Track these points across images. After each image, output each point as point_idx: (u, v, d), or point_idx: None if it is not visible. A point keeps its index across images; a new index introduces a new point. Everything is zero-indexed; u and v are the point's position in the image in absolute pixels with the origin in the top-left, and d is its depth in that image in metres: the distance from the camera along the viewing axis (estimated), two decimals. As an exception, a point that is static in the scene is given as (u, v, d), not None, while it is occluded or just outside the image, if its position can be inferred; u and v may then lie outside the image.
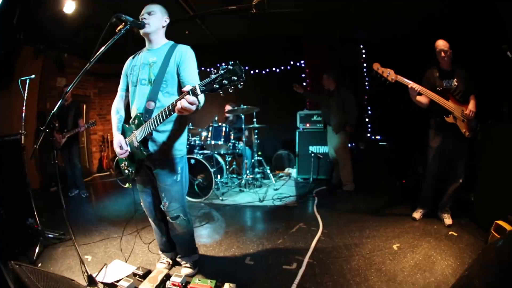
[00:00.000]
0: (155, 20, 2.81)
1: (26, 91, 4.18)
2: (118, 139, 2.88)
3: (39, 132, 2.60)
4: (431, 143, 4.47)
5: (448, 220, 4.39)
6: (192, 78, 2.72)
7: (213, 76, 2.01)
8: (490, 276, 1.84)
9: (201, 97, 2.36)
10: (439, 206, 4.59)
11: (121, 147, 2.85)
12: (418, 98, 4.18)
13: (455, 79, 4.20)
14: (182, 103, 2.12)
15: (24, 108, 4.16)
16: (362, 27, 7.17)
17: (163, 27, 2.94)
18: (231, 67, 1.97)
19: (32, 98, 6.76)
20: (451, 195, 4.44)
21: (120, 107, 3.12)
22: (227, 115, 7.79)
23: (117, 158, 3.23)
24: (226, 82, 1.97)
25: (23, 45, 6.43)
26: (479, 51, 5.24)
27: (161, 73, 2.76)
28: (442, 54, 4.19)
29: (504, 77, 4.69)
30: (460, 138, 4.18)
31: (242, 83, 2.00)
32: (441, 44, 4.20)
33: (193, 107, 2.15)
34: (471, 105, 4.11)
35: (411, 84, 4.05)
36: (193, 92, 2.09)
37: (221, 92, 2.03)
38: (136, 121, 2.78)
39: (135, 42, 3.13)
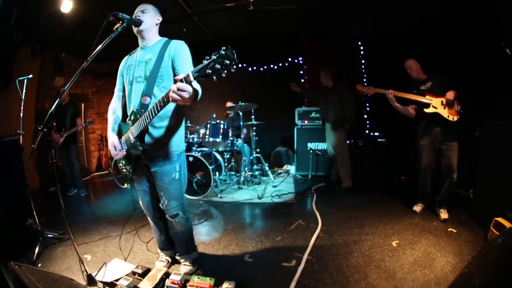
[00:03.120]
0: (149, 18, 2.83)
1: (24, 91, 4.17)
2: (112, 140, 2.89)
3: (37, 132, 2.60)
4: (420, 141, 4.65)
5: (443, 215, 4.43)
6: (187, 70, 2.71)
7: (205, 61, 2.01)
8: (490, 273, 1.83)
9: (197, 85, 2.36)
10: (436, 201, 4.62)
11: (115, 148, 2.85)
12: (404, 107, 4.58)
13: (430, 82, 4.48)
14: (173, 88, 2.12)
15: (22, 108, 4.15)
16: (359, 24, 7.16)
17: (156, 25, 2.95)
18: (223, 52, 1.96)
19: (31, 98, 6.75)
20: (447, 191, 4.48)
21: (117, 107, 3.12)
22: (228, 112, 7.80)
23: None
24: (218, 66, 1.96)
25: (20, 46, 6.41)
26: (477, 48, 5.24)
27: (156, 69, 2.77)
28: (408, 70, 4.70)
29: (503, 74, 4.69)
30: (447, 128, 4.34)
31: (234, 67, 1.98)
32: (407, 62, 4.72)
33: (186, 94, 2.13)
34: (450, 91, 4.25)
35: (386, 91, 4.45)
36: (186, 79, 2.09)
37: (215, 78, 2.02)
38: (133, 117, 2.79)
39: (133, 41, 3.12)
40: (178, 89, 2.10)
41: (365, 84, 6.86)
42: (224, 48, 1.97)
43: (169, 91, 2.20)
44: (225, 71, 1.99)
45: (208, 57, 2.01)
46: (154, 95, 2.76)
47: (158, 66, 2.77)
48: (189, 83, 2.11)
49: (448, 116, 4.25)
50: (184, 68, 2.74)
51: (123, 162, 3.02)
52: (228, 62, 1.95)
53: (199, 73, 2.04)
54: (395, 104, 4.48)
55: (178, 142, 2.97)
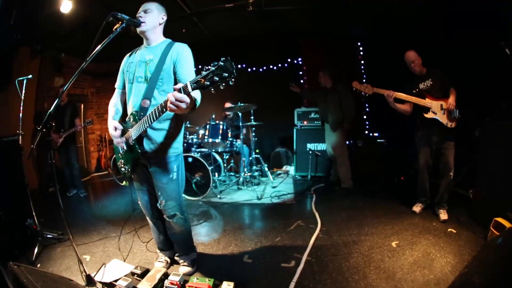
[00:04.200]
0: (151, 18, 2.80)
1: (24, 91, 4.17)
2: (112, 124, 2.86)
3: (36, 132, 2.60)
4: (416, 141, 4.67)
5: (443, 216, 4.42)
6: (188, 76, 2.70)
7: (204, 73, 1.97)
8: (490, 274, 1.83)
9: (197, 94, 2.35)
10: (435, 202, 4.62)
11: (115, 129, 2.82)
12: (399, 105, 4.50)
13: (430, 80, 4.43)
14: (170, 98, 2.10)
15: (21, 108, 4.15)
16: (359, 24, 7.16)
17: (160, 24, 2.92)
18: (222, 63, 1.93)
19: (30, 98, 6.76)
20: (445, 189, 4.50)
21: (117, 102, 3.12)
22: (227, 112, 7.80)
23: (114, 156, 3.22)
24: (217, 79, 1.93)
25: (20, 46, 6.41)
26: (477, 48, 5.24)
27: (157, 71, 2.76)
28: (412, 64, 4.52)
29: (502, 74, 4.69)
30: (444, 130, 4.35)
31: (233, 80, 1.95)
32: (409, 56, 4.53)
33: (183, 105, 2.11)
34: (451, 99, 4.27)
35: (386, 92, 4.37)
36: (184, 89, 2.07)
37: (212, 90, 1.99)
38: (131, 119, 2.78)
39: (133, 41, 3.12)
40: (176, 100, 2.08)
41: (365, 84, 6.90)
42: (224, 59, 1.93)
43: (167, 100, 2.19)
44: (223, 84, 1.97)
45: (207, 68, 1.97)
46: (154, 97, 2.76)
47: (159, 69, 2.76)
48: (187, 93, 2.09)
49: (446, 123, 4.28)
50: (185, 74, 2.73)
51: (122, 161, 3.02)
52: (226, 74, 1.92)
53: (197, 84, 2.01)
54: (393, 105, 4.46)
55: (176, 144, 2.97)
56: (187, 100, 2.11)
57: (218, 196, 6.11)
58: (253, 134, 7.27)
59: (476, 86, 5.16)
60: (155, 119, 2.47)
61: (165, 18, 2.94)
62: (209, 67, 1.96)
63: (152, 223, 3.34)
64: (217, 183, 6.43)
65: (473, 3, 4.84)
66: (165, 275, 3.02)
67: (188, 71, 2.76)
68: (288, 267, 3.38)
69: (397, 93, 4.34)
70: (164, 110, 2.32)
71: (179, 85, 2.10)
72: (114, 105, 3.08)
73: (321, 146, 7.44)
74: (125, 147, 2.87)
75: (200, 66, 2.11)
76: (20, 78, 4.19)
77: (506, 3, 4.38)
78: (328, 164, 7.16)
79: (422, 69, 4.50)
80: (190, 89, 2.05)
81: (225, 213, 5.30)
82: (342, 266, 3.34)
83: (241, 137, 6.98)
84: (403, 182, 6.66)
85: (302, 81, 8.64)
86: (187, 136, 6.71)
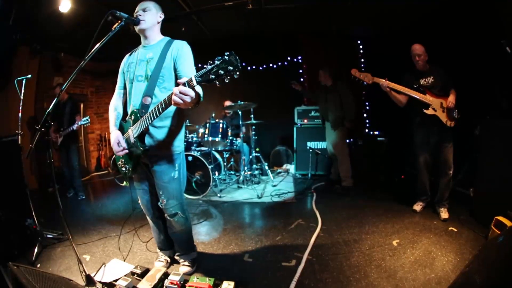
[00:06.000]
0: (150, 16, 2.80)
1: (23, 91, 4.16)
2: (115, 135, 2.85)
3: (35, 131, 2.59)
4: (415, 139, 4.64)
5: (444, 214, 4.42)
6: (189, 72, 2.69)
7: (209, 66, 1.99)
8: (491, 272, 1.82)
9: (199, 89, 2.35)
10: (435, 201, 4.62)
11: (118, 144, 2.82)
12: (395, 94, 4.44)
13: (432, 77, 4.38)
14: (175, 91, 2.10)
15: (20, 108, 4.14)
16: (359, 23, 7.14)
17: (158, 23, 2.92)
18: (226, 57, 1.95)
19: (29, 98, 6.74)
20: (445, 188, 4.50)
21: (118, 104, 3.11)
22: (226, 111, 7.79)
23: (114, 156, 3.21)
24: (222, 72, 1.95)
25: (19, 45, 6.39)
26: (477, 46, 5.22)
27: (157, 69, 2.75)
28: (417, 58, 4.43)
29: (503, 73, 4.68)
30: (443, 128, 4.33)
31: (238, 73, 1.97)
32: (416, 48, 4.44)
33: (188, 99, 2.11)
34: (451, 97, 4.25)
35: (382, 81, 4.33)
36: (189, 83, 2.07)
37: (217, 83, 2.00)
38: (133, 117, 2.77)
39: (132, 40, 3.11)
40: (180, 93, 2.08)
41: (365, 83, 6.88)
42: (228, 53, 1.95)
43: (171, 94, 2.19)
44: (228, 77, 1.97)
45: (211, 62, 1.99)
46: (155, 95, 2.75)
47: (159, 66, 2.76)
48: (192, 87, 2.09)
49: (446, 121, 4.26)
50: (186, 70, 2.73)
51: (123, 160, 3.01)
52: (231, 68, 1.94)
53: (202, 78, 2.02)
54: (389, 93, 4.42)
55: (178, 142, 2.96)
56: (192, 93, 2.11)
57: (218, 195, 6.11)
58: (253, 132, 7.24)
59: (477, 85, 5.14)
60: (158, 114, 2.46)
61: (162, 16, 2.94)
62: (214, 61, 1.98)
63: (153, 223, 3.33)
64: (217, 182, 6.41)
65: (473, 1, 4.83)
66: (165, 275, 3.01)
67: (188, 67, 2.76)
68: (288, 266, 3.37)
69: (397, 85, 4.29)
70: (168, 103, 2.32)
71: (184, 79, 2.11)
72: (114, 109, 3.07)
73: (321, 145, 7.43)
74: (126, 147, 2.85)
75: (200, 65, 2.11)
76: (19, 78, 4.18)
77: (506, 2, 4.37)
78: (328, 163, 7.14)
79: (425, 65, 4.44)
80: (195, 83, 2.06)
81: (225, 212, 5.29)
82: (343, 265, 3.33)
83: (241, 135, 6.97)
84: (403, 180, 6.65)
85: (302, 79, 8.64)
86: (187, 135, 6.68)
